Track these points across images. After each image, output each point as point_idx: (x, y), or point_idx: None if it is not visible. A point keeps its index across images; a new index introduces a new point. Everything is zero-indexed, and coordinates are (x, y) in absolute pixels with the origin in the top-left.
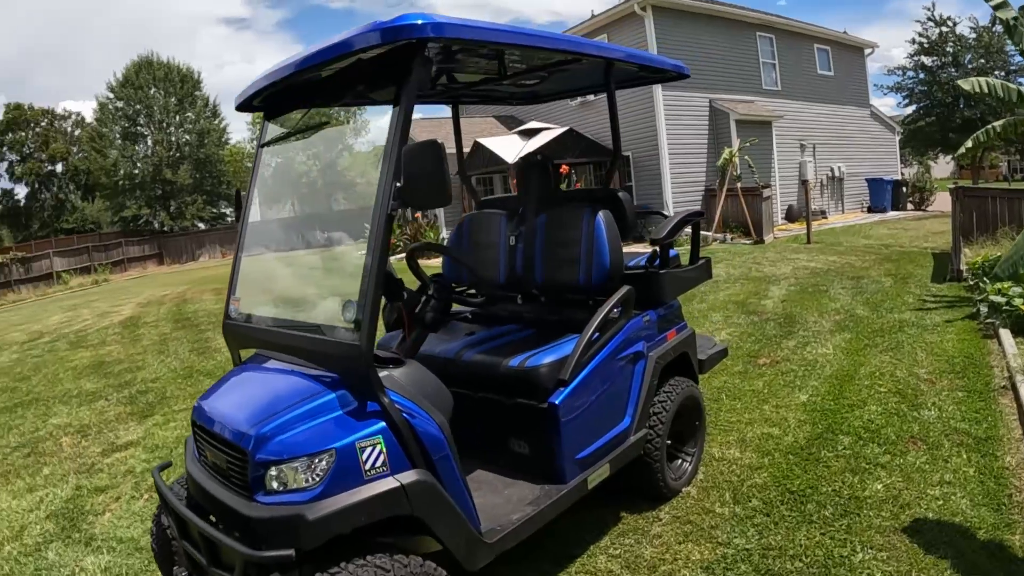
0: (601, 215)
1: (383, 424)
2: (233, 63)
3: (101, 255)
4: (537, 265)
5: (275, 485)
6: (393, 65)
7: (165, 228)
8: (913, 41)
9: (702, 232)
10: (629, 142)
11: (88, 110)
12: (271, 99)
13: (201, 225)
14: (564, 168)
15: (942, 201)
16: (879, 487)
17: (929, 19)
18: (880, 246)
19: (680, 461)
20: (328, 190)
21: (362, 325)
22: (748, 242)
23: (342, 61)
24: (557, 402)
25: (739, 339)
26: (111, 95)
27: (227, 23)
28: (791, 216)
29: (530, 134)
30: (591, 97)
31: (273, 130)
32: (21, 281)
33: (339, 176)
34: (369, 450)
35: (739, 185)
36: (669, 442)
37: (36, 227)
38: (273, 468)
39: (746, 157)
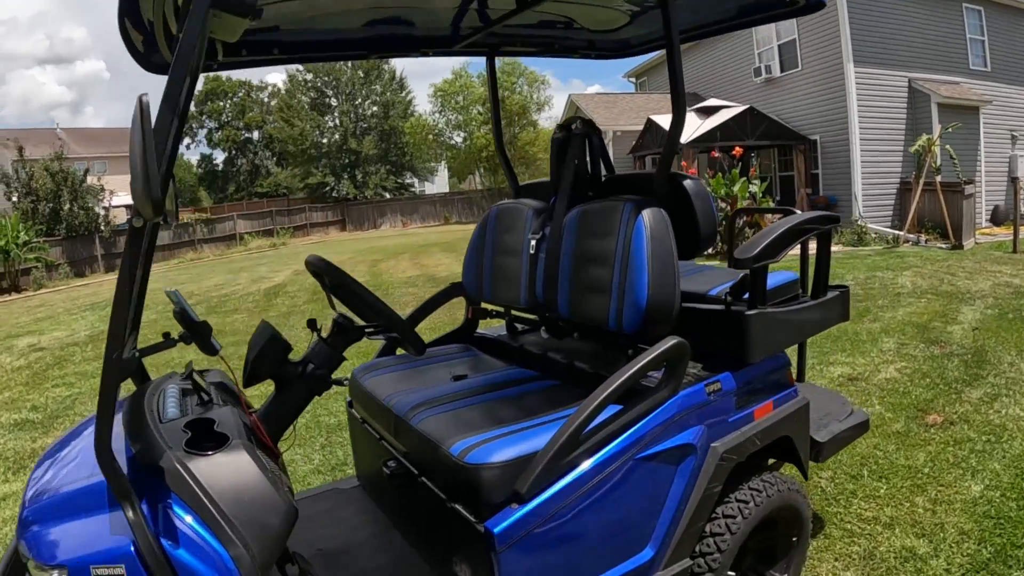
0: (645, 217)
1: (130, 547)
2: None
3: (284, 219)
4: (561, 286)
5: None
6: None
7: (348, 196)
8: None
9: (892, 231)
10: (816, 124)
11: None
12: None
13: (386, 195)
14: (737, 150)
15: None
16: None
17: None
18: None
19: None
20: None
21: None
22: (944, 246)
23: None
24: (496, 530)
25: (909, 380)
26: (300, 67)
27: None
28: (996, 219)
29: (708, 112)
30: (777, 73)
31: None
32: (205, 241)
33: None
34: None
35: (938, 179)
36: (732, 574)
37: (232, 190)
38: (31, 565)
39: (947, 147)
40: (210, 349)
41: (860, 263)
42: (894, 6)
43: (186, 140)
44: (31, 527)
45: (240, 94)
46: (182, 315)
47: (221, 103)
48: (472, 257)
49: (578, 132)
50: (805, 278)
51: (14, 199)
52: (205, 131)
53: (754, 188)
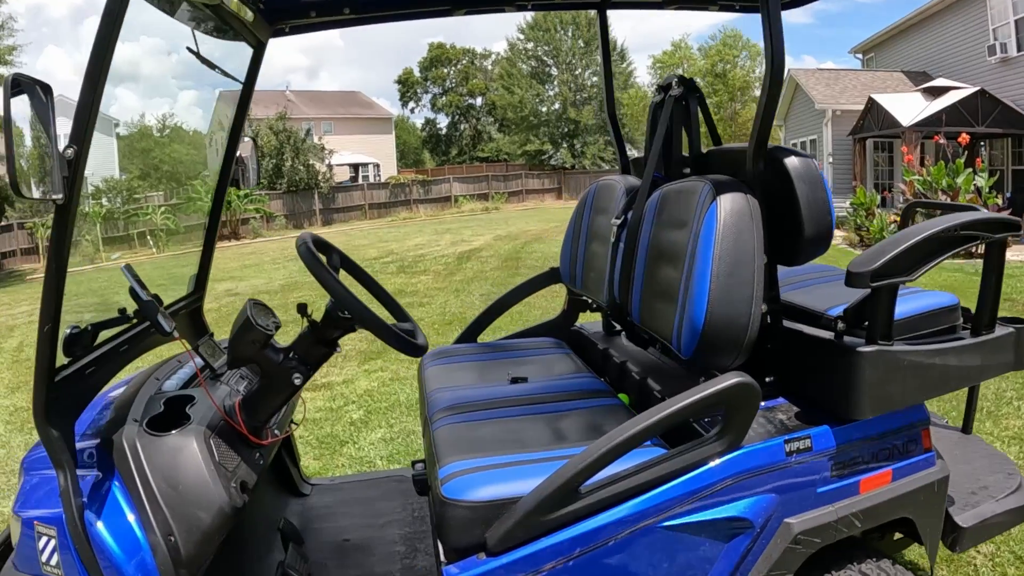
0: (722, 203)
1: (62, 511)
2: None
3: (500, 184)
4: (635, 285)
5: None
6: None
7: (565, 165)
8: None
9: None
10: None
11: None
12: None
13: (604, 165)
14: (964, 138)
15: None
16: None
17: None
18: None
19: None
20: None
21: None
22: None
23: None
24: None
25: None
26: (521, 36)
27: None
28: None
29: (934, 93)
30: (1013, 52)
31: None
32: (420, 201)
33: None
34: (45, 540)
35: None
36: None
37: (454, 153)
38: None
39: None
40: (160, 329)
41: None
42: None
43: (410, 104)
44: (25, 474)
45: (464, 61)
46: (132, 292)
47: (445, 69)
48: (569, 239)
49: (674, 94)
50: (991, 304)
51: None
52: (429, 96)
53: (980, 181)
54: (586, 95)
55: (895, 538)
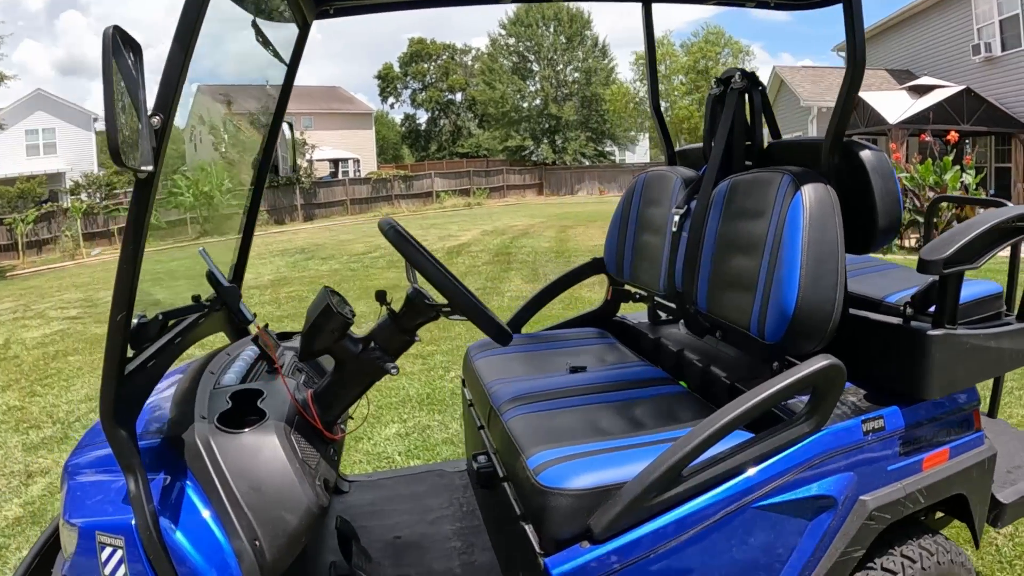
0: (806, 194)
1: (132, 521)
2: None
3: (482, 180)
4: (701, 274)
5: None
6: None
7: (547, 161)
8: None
9: None
10: None
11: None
12: None
13: (585, 161)
14: (953, 135)
15: None
16: None
17: None
18: None
19: None
20: None
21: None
22: None
23: None
24: (555, 571)
25: None
26: (503, 32)
27: None
28: None
29: (920, 91)
30: (997, 52)
31: None
32: (401, 196)
33: None
34: (109, 552)
35: None
36: None
37: (433, 149)
38: (61, 518)
39: None
40: (240, 317)
41: None
42: None
43: (390, 99)
44: (69, 479)
45: (444, 57)
46: (211, 277)
47: (425, 65)
48: (614, 230)
49: (736, 86)
50: (1012, 292)
51: (222, 149)
52: (409, 91)
53: (967, 179)
54: (567, 91)
55: (936, 517)
